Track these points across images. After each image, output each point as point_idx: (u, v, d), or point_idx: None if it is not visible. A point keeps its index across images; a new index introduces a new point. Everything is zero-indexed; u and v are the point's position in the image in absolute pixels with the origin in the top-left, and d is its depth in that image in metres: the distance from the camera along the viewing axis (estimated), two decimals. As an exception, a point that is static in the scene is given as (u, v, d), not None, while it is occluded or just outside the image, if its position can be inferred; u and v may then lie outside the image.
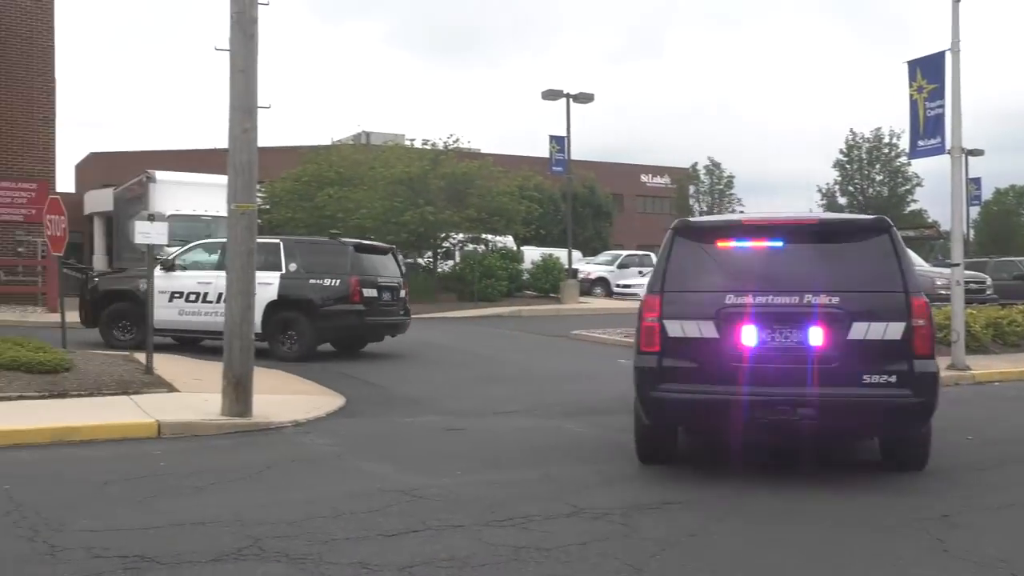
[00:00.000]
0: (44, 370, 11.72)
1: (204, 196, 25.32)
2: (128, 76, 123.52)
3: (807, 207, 51.63)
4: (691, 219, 8.94)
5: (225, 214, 24.75)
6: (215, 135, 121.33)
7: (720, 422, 8.14)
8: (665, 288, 7.99)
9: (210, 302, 16.02)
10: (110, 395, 11.46)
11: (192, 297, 16.37)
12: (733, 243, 8.24)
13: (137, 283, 16.45)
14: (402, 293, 17.36)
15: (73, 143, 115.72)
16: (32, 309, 22.77)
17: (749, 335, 7.76)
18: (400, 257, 18.23)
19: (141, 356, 13.40)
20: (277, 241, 16.70)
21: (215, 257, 16.56)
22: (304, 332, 15.91)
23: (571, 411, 12.06)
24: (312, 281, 15.96)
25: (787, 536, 6.54)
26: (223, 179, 27.09)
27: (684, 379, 7.87)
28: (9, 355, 11.80)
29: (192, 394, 11.75)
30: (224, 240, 17.04)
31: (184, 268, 16.65)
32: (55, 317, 20.68)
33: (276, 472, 8.26)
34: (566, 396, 13.29)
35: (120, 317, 16.71)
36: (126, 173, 37.41)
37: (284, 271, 16.10)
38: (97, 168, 57.42)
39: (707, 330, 7.81)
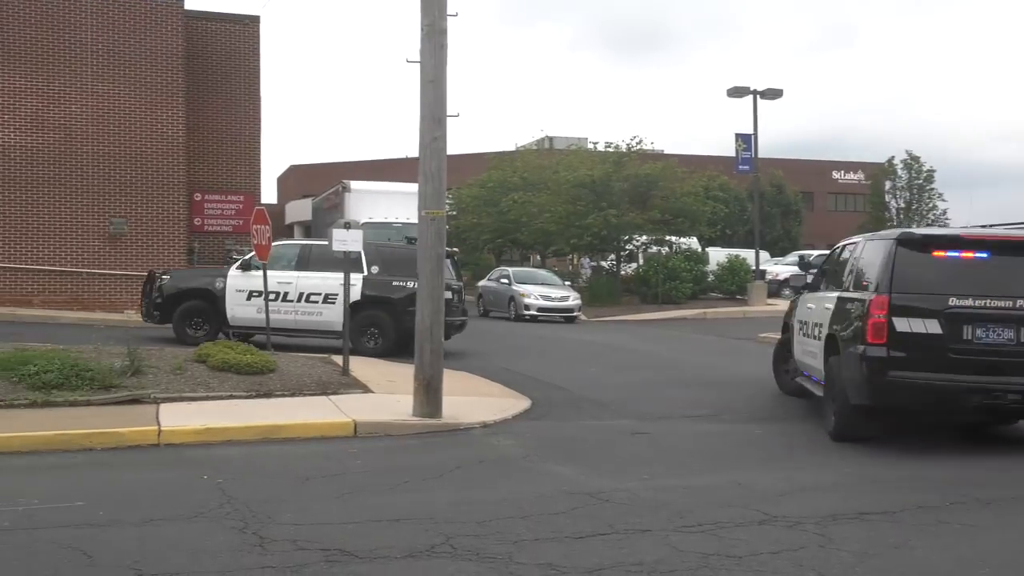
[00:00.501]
0: (251, 371, 12.46)
1: (394, 204, 26.27)
2: (325, 90, 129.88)
3: (1016, 201, 48.10)
4: (913, 231, 9.98)
5: (414, 221, 25.65)
6: (406, 144, 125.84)
7: (942, 405, 9.44)
8: (893, 290, 9.29)
9: (290, 301, 16.66)
10: (310, 395, 12.03)
11: (272, 296, 16.56)
12: (952, 253, 9.50)
13: (213, 281, 17.14)
14: (462, 295, 18.07)
15: (275, 156, 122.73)
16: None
17: (969, 332, 9.15)
18: (457, 260, 18.79)
19: (338, 359, 14.01)
20: None
21: (293, 258, 17.14)
22: (387, 330, 16.59)
23: (759, 416, 11.75)
24: (395, 283, 16.63)
25: (1001, 552, 6.11)
26: (412, 187, 28.06)
27: (910, 367, 9.19)
28: (220, 357, 12.62)
29: (385, 395, 12.18)
30: (302, 242, 18.06)
31: (257, 268, 16.64)
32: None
33: (465, 472, 8.45)
34: (754, 400, 12.95)
35: (193, 314, 17.09)
36: (323, 184, 39.36)
37: (367, 273, 16.65)
38: (297, 179, 60.66)
39: (932, 327, 9.18)
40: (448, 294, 16.67)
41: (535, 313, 27.38)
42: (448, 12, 10.51)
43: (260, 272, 16.60)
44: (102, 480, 8.06)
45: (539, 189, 37.53)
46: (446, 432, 10.45)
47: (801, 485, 8.00)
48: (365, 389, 12.61)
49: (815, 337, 11.30)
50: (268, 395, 11.84)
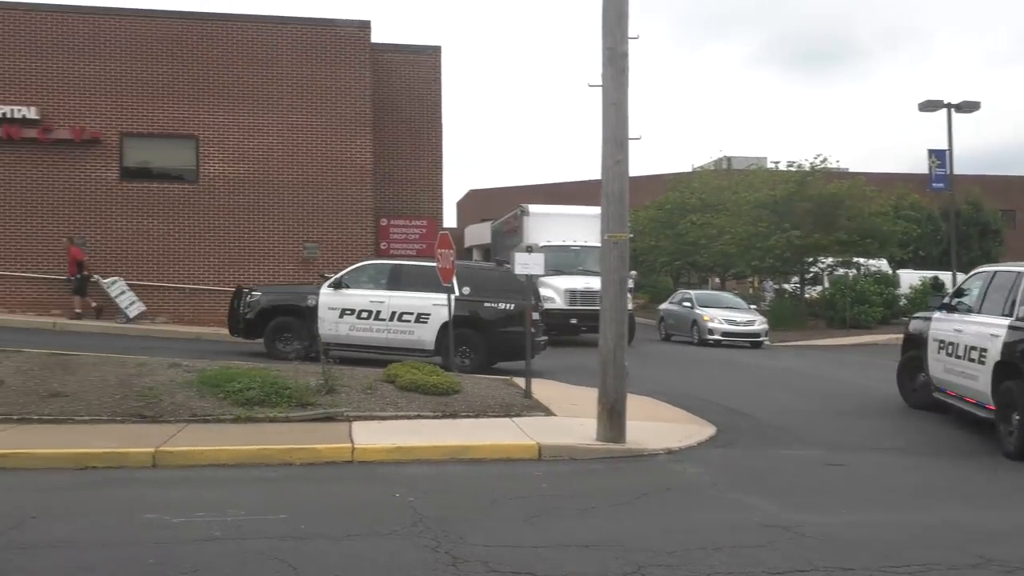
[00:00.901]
0: (437, 392, 12.74)
1: (572, 227, 26.38)
2: (503, 115, 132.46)
3: None
4: None
5: (591, 244, 25.66)
6: (582, 167, 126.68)
7: None
8: None
9: (383, 320, 16.97)
10: (494, 417, 12.17)
11: (364, 315, 17.00)
12: None
13: (305, 298, 17.44)
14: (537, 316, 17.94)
15: (454, 181, 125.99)
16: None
17: None
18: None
19: (519, 380, 14.13)
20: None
21: (384, 278, 17.52)
22: (478, 348, 17.02)
23: (966, 450, 11.07)
24: (487, 304, 17.05)
25: None
26: (590, 210, 28.04)
27: None
28: (408, 378, 12.98)
29: (568, 418, 12.17)
30: (392, 262, 18.45)
31: (349, 287, 17.33)
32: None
33: (653, 499, 8.31)
34: (956, 431, 12.19)
35: (283, 330, 17.39)
36: (500, 208, 40.04)
37: (458, 294, 16.76)
38: (475, 204, 62.06)
39: None
40: (536, 315, 17.13)
41: (719, 337, 26.75)
42: (629, 35, 10.47)
43: (352, 291, 17.17)
44: (302, 494, 8.39)
45: (718, 210, 36.88)
46: (630, 458, 10.34)
47: (1018, 525, 7.43)
48: (547, 412, 12.64)
49: (973, 360, 11.75)
50: (454, 416, 12.07)
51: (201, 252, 23.89)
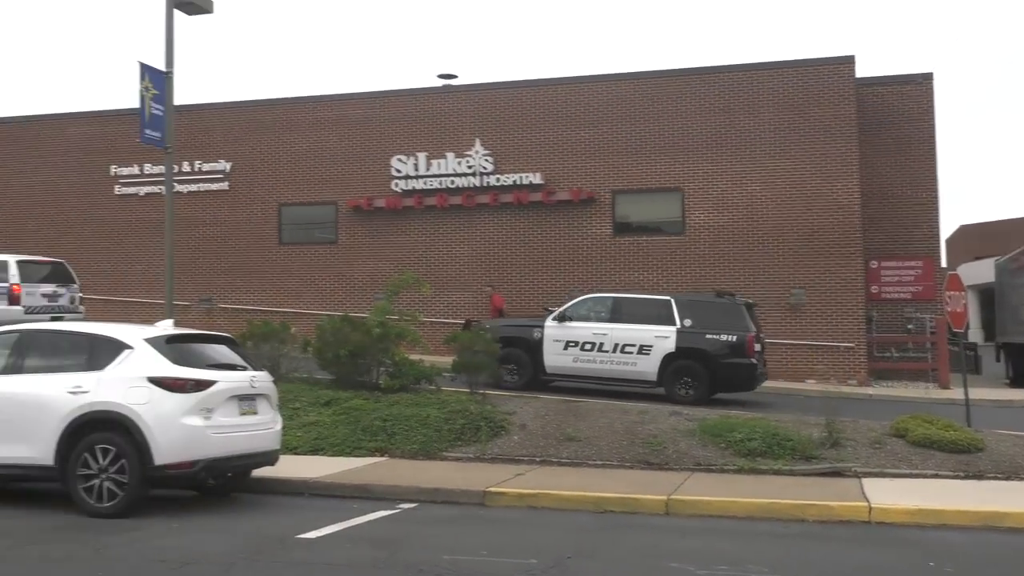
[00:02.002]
0: (956, 449, 11.57)
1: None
2: (994, 139, 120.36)
3: None
4: None
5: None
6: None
7: None
8: None
9: (605, 351, 17.37)
10: (1028, 480, 10.79)
11: (587, 346, 17.50)
12: None
13: (531, 332, 18.04)
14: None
15: (941, 218, 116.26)
16: (925, 385, 23.03)
17: None
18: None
19: None
20: (668, 299, 17.87)
21: (606, 311, 17.87)
22: (700, 379, 17.00)
23: None
24: (708, 336, 17.09)
25: None
26: None
27: None
28: (920, 432, 11.96)
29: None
30: (614, 295, 18.44)
31: (572, 320, 17.76)
32: (949, 394, 20.63)
33: None
34: None
35: (508, 361, 17.54)
36: (997, 244, 36.11)
37: (680, 326, 17.20)
38: (968, 241, 56.85)
39: None
40: (758, 346, 17.33)
41: None
42: None
43: (575, 323, 17.72)
44: (820, 554, 8.01)
45: None
46: None
47: None
48: (1097, 477, 10.91)
49: None
50: (979, 477, 10.92)
51: (687, 301, 24.34)
